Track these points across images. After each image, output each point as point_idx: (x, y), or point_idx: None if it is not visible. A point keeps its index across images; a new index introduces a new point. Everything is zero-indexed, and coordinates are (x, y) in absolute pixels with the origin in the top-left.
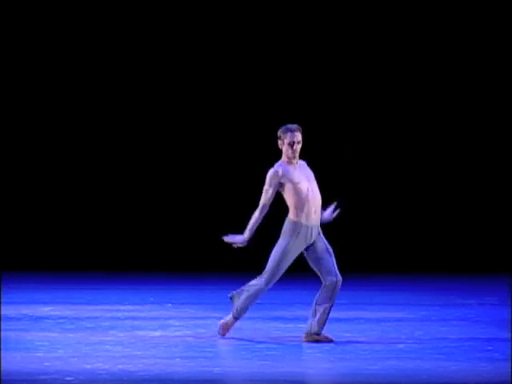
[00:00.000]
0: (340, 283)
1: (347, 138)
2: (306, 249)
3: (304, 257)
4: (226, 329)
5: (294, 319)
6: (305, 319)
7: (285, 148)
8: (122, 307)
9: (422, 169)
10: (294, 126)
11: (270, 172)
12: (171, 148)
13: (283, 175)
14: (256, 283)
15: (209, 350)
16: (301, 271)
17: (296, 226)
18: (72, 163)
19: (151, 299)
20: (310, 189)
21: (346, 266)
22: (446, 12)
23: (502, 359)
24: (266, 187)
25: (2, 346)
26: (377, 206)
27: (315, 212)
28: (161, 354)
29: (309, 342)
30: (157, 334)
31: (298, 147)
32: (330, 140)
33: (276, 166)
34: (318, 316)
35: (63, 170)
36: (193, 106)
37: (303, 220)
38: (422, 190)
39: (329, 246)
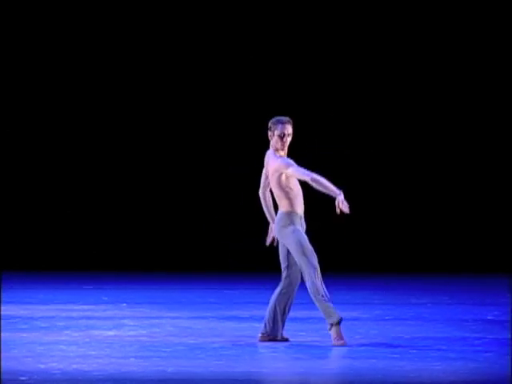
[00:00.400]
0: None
1: (347, 138)
2: None
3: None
4: (339, 336)
5: (249, 318)
6: (259, 319)
7: (274, 139)
8: (76, 307)
9: (419, 168)
10: (286, 119)
11: (276, 154)
12: (170, 148)
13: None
14: (310, 285)
15: (163, 349)
16: (255, 271)
17: (291, 215)
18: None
19: (105, 299)
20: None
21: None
22: (446, 12)
23: (457, 358)
24: (294, 165)
25: None
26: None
27: (302, 202)
28: (115, 353)
29: (264, 341)
30: (111, 333)
31: (288, 140)
32: (330, 140)
33: (273, 153)
34: (276, 316)
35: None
36: (193, 106)
37: (297, 210)
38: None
39: None
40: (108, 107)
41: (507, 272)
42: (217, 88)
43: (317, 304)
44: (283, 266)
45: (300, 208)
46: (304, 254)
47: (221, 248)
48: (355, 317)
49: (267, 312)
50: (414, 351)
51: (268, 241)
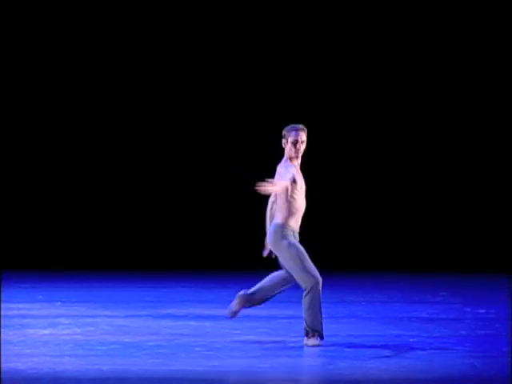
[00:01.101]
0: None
1: (347, 137)
2: None
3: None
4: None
5: (185, 317)
6: (195, 317)
7: (288, 147)
8: (11, 305)
9: (416, 168)
10: (300, 126)
11: (288, 164)
12: (168, 148)
13: (296, 175)
14: (306, 294)
15: (98, 347)
16: (191, 268)
17: (284, 228)
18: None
19: (40, 297)
20: (304, 195)
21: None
22: (446, 12)
23: (391, 356)
24: (290, 178)
25: None
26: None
27: (299, 220)
28: (50, 352)
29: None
30: (46, 332)
31: (302, 147)
32: (331, 140)
33: (285, 162)
34: (266, 285)
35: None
36: (193, 105)
37: (292, 224)
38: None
39: None
40: (108, 105)
41: (443, 270)
42: (218, 88)
43: (308, 313)
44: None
45: (295, 224)
46: (302, 267)
47: (156, 246)
48: (291, 315)
49: (262, 283)
50: (349, 349)
51: (265, 253)
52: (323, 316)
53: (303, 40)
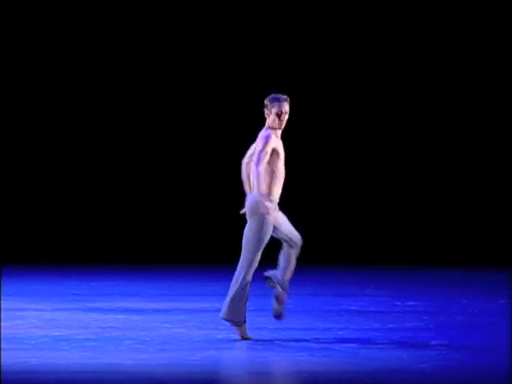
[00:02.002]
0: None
1: (347, 137)
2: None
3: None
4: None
5: (113, 310)
6: (124, 310)
7: (271, 118)
8: None
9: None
10: (283, 96)
11: (267, 133)
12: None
13: (275, 144)
14: (236, 280)
15: (27, 341)
16: (118, 262)
17: (267, 198)
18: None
19: None
20: (283, 164)
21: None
22: (446, 12)
23: (320, 349)
24: (266, 148)
25: None
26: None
27: (280, 188)
28: None
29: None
30: None
31: (285, 118)
32: (331, 139)
33: (266, 130)
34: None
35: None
36: (191, 103)
37: (275, 193)
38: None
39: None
40: (106, 101)
41: (372, 263)
42: (217, 86)
43: (229, 297)
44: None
45: (277, 192)
46: (254, 252)
47: (83, 240)
48: (219, 308)
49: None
50: (278, 341)
51: (242, 211)
52: (252, 308)
53: (302, 40)
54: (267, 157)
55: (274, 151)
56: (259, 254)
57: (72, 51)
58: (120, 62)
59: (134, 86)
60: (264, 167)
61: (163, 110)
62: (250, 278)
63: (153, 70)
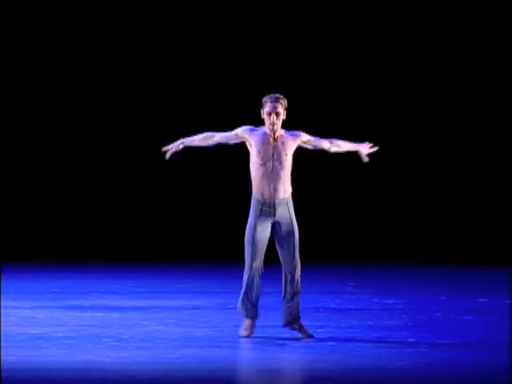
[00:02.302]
0: (290, 277)
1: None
2: (273, 226)
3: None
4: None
5: (91, 308)
6: (102, 308)
7: (265, 118)
8: None
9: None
10: (275, 96)
11: (253, 127)
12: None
13: (251, 136)
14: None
15: (5, 339)
16: (99, 260)
17: (253, 201)
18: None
19: None
20: (271, 166)
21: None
22: (447, 11)
23: (299, 347)
24: (233, 131)
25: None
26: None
27: (274, 188)
28: None
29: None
30: None
31: (276, 119)
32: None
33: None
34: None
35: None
36: (190, 101)
37: (258, 195)
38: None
39: (293, 231)
40: (104, 100)
41: (351, 261)
42: (217, 85)
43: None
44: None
45: (259, 193)
46: (247, 246)
47: (61, 237)
48: (198, 305)
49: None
50: (257, 339)
51: (166, 148)
52: (232, 306)
53: (302, 40)
54: (224, 133)
55: (249, 144)
56: (254, 250)
57: (72, 51)
58: (120, 63)
59: (134, 85)
60: (213, 134)
61: (163, 109)
62: (251, 269)
63: (153, 70)
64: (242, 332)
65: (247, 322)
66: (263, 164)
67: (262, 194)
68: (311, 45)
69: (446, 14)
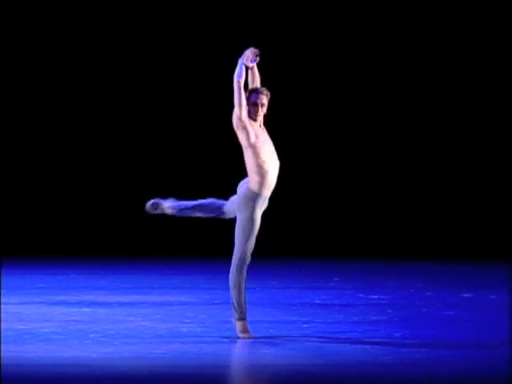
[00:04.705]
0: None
1: (347, 137)
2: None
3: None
4: (244, 329)
5: (78, 303)
6: (89, 303)
7: (249, 108)
8: None
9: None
10: (261, 89)
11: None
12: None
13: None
14: (231, 274)
15: None
16: (86, 255)
17: (257, 197)
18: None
19: None
20: (271, 151)
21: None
22: (446, 11)
23: (285, 343)
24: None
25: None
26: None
27: (272, 182)
28: None
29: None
30: None
31: (261, 110)
32: (330, 138)
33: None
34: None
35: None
36: (189, 98)
37: (265, 192)
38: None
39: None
40: (103, 99)
41: (335, 256)
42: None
43: (231, 294)
44: None
45: (268, 189)
46: (246, 242)
47: (50, 233)
48: (184, 301)
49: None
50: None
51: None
52: (217, 302)
53: (301, 40)
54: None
55: (247, 130)
56: (250, 247)
57: (72, 51)
58: (120, 64)
59: (133, 84)
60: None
61: (162, 107)
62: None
63: (152, 70)
64: (245, 335)
65: (243, 324)
66: (263, 146)
67: (269, 188)
68: (311, 44)
69: (446, 14)
